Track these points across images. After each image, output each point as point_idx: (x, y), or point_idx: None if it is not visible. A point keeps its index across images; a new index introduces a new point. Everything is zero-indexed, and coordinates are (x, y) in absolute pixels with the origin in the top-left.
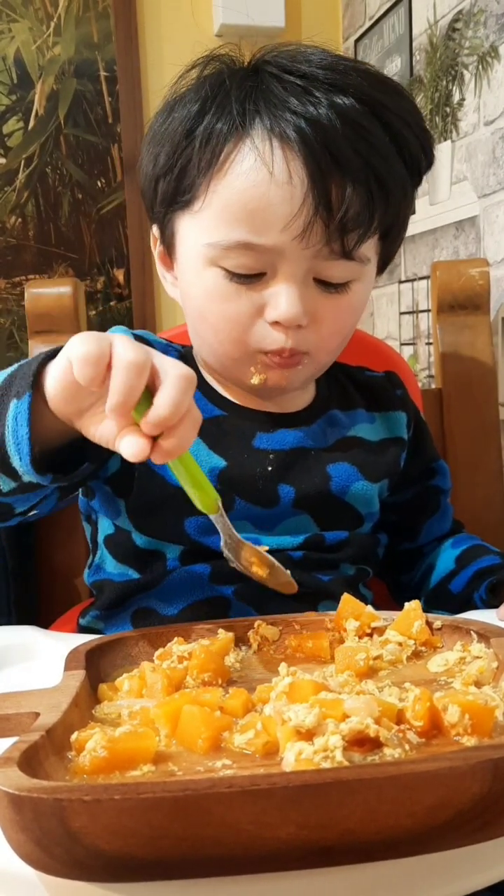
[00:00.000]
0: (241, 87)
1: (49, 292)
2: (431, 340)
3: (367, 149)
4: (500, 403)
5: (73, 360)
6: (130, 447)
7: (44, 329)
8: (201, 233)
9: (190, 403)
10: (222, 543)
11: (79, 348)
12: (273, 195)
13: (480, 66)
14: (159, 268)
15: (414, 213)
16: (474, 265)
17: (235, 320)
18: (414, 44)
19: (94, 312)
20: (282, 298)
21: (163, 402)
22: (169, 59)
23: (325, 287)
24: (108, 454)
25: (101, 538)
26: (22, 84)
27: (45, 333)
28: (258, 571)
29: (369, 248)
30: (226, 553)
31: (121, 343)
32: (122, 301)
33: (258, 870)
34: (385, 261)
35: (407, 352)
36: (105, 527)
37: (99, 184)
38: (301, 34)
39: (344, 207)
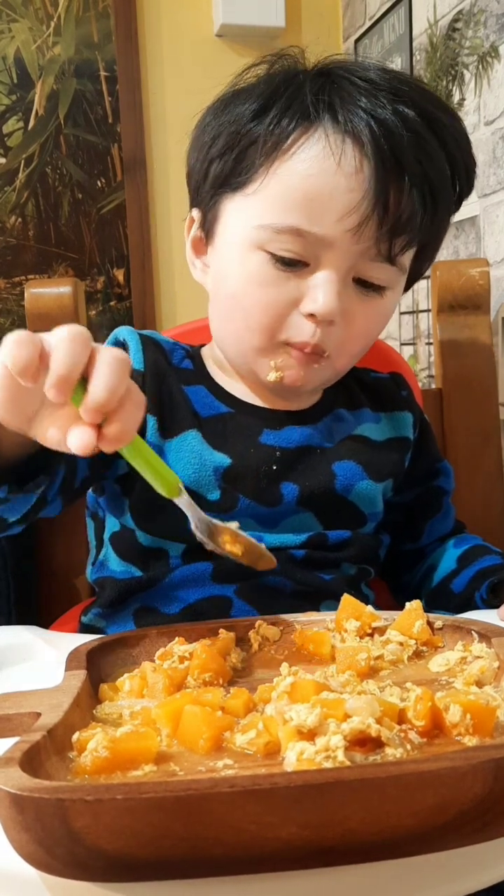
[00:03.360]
0: (314, 81)
1: (49, 292)
2: (431, 340)
3: (426, 158)
4: (500, 403)
5: (5, 352)
6: (76, 440)
7: (44, 329)
8: (253, 215)
9: (128, 386)
10: (192, 526)
11: (8, 339)
12: (336, 185)
13: (480, 66)
14: (189, 254)
15: None
16: (474, 265)
17: (271, 306)
18: (414, 44)
19: (94, 312)
20: (321, 291)
21: (97, 385)
22: (169, 59)
23: (363, 287)
24: (111, 456)
25: (106, 535)
26: (22, 84)
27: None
28: (233, 549)
29: (408, 258)
30: (198, 536)
31: (56, 329)
32: (122, 301)
33: (260, 870)
34: (413, 278)
35: (407, 352)
36: (110, 525)
37: (99, 184)
38: (301, 34)
39: (399, 211)
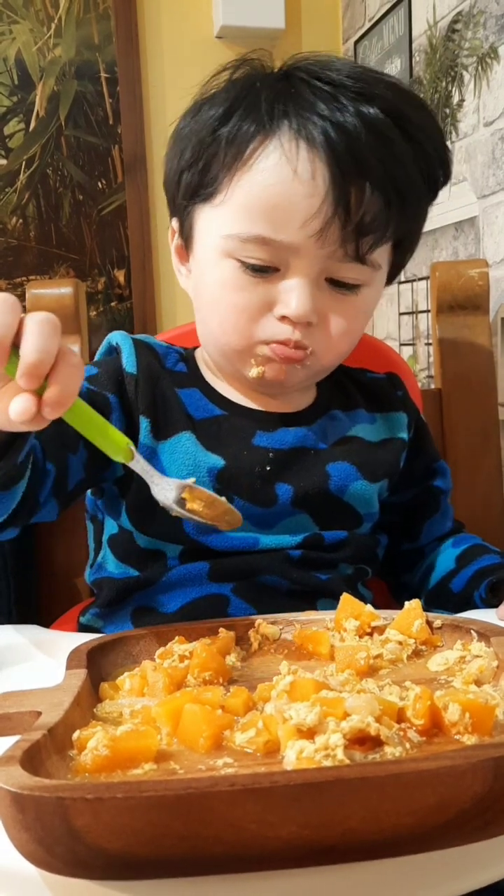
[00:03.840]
0: (271, 89)
1: (50, 293)
2: (431, 341)
3: (388, 157)
4: (500, 403)
5: None
6: (16, 407)
7: None
8: (221, 225)
9: (62, 348)
10: (153, 492)
11: None
12: (294, 193)
13: (480, 67)
14: (175, 261)
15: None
16: (474, 266)
17: (245, 311)
18: (413, 45)
19: (94, 313)
20: (293, 295)
21: (28, 348)
22: (169, 60)
23: (336, 287)
24: (107, 459)
25: (105, 537)
26: (23, 85)
27: None
28: (195, 507)
29: (382, 255)
30: (161, 501)
31: None
32: (123, 302)
33: (259, 868)
34: (396, 270)
35: (407, 352)
36: (109, 527)
37: (100, 185)
38: (301, 35)
39: (361, 211)
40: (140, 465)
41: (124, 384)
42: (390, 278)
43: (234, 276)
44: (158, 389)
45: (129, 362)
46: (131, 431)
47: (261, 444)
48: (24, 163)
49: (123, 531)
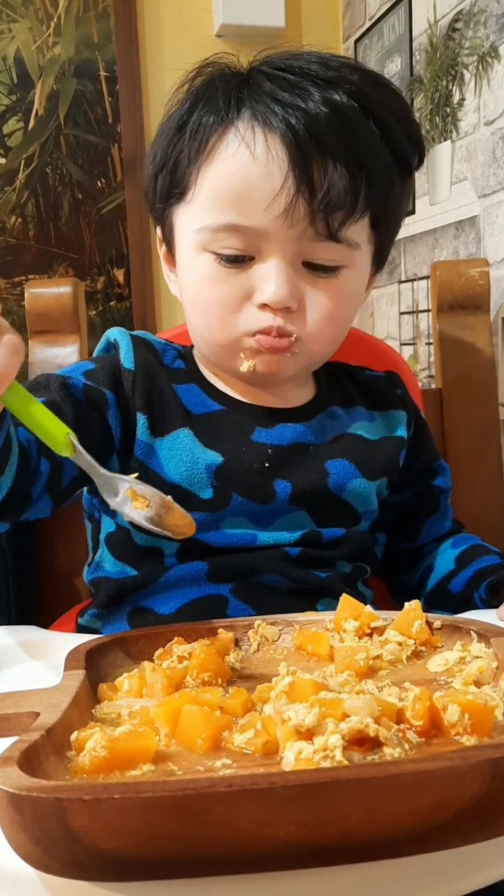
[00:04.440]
0: (228, 84)
1: (49, 292)
2: (431, 340)
3: (348, 133)
4: (500, 403)
5: None
6: None
7: (44, 329)
8: (193, 219)
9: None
10: (99, 490)
11: None
12: (255, 176)
13: (480, 66)
14: (164, 269)
15: (413, 212)
16: (474, 265)
17: (224, 303)
18: (414, 44)
19: (94, 312)
20: (269, 281)
21: None
22: (169, 59)
23: (314, 270)
24: (101, 455)
25: (102, 535)
26: (22, 84)
27: (45, 333)
28: (139, 507)
29: (358, 234)
30: (110, 501)
31: None
32: (123, 301)
33: (258, 869)
34: (379, 253)
35: (407, 352)
36: (106, 525)
37: (99, 184)
38: (301, 34)
39: (325, 186)
40: (83, 459)
41: (121, 380)
42: (378, 263)
43: (210, 269)
44: (156, 385)
45: (126, 358)
46: (129, 428)
47: (260, 441)
48: (23, 162)
49: (120, 529)
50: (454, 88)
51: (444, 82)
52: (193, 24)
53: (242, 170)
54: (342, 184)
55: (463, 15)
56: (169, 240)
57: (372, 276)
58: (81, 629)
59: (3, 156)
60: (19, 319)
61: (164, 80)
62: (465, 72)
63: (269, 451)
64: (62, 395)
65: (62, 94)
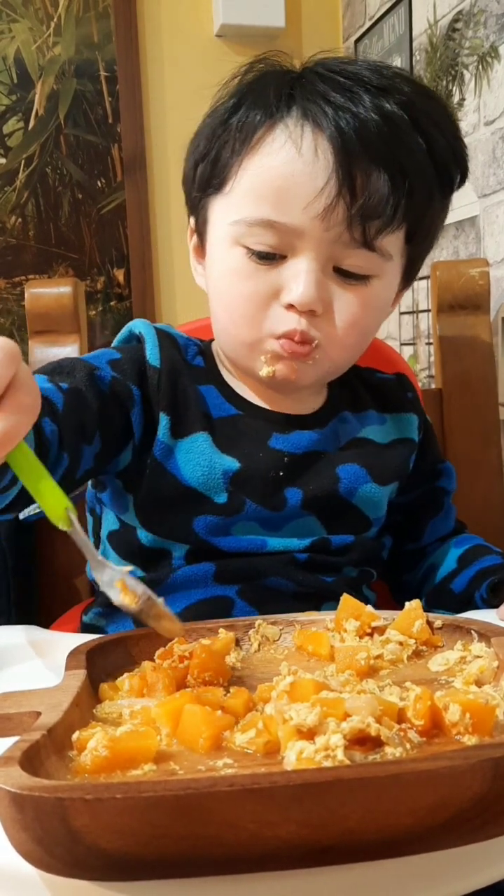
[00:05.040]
0: (280, 80)
1: (49, 292)
2: (431, 340)
3: (395, 142)
4: (500, 403)
5: None
6: None
7: (44, 329)
8: (230, 211)
9: (19, 378)
10: (91, 566)
11: None
12: (298, 173)
13: (480, 66)
14: (192, 260)
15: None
16: (474, 265)
17: (251, 300)
18: (414, 44)
19: (94, 312)
20: (298, 281)
21: None
22: (169, 59)
23: (344, 277)
24: (117, 450)
25: (104, 533)
26: (22, 84)
27: (45, 333)
28: (125, 600)
29: (392, 245)
30: (98, 579)
31: None
32: (123, 301)
33: (259, 869)
34: (410, 267)
35: (407, 352)
36: (109, 522)
37: (99, 184)
38: (301, 34)
39: (367, 193)
40: (79, 537)
41: (147, 376)
42: (407, 278)
43: (241, 264)
44: (180, 385)
45: (152, 355)
46: (150, 426)
47: (276, 447)
48: (23, 162)
49: (126, 527)
50: (454, 88)
51: (444, 82)
52: (193, 24)
53: (286, 166)
54: (383, 192)
55: (463, 15)
56: (201, 231)
57: (399, 292)
58: (86, 627)
59: (3, 156)
60: (19, 319)
61: (164, 80)
62: (465, 72)
63: (286, 458)
64: (88, 384)
65: (62, 94)
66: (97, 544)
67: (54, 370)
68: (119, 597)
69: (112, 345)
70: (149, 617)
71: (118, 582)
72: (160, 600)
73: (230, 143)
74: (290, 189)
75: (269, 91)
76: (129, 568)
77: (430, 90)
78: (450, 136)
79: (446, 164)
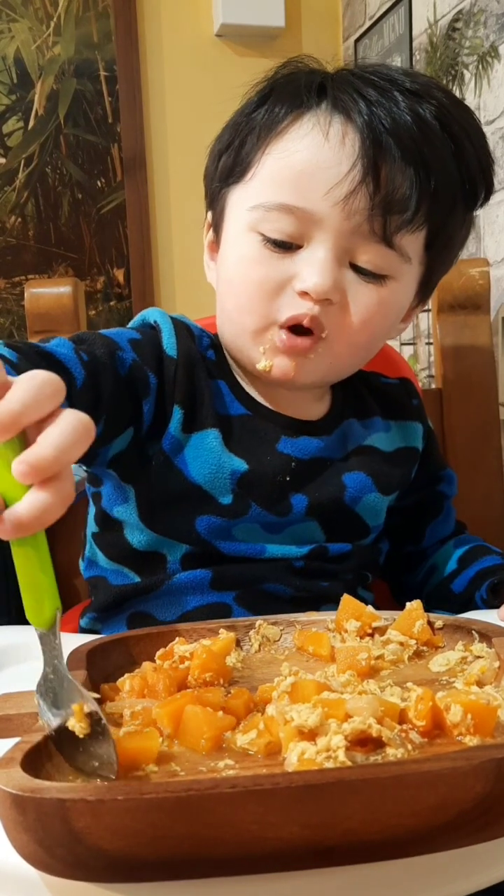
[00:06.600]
0: (312, 76)
1: (49, 292)
2: (431, 340)
3: (424, 142)
4: (500, 403)
5: None
6: None
7: (43, 329)
8: (249, 198)
9: (70, 459)
10: (41, 676)
11: None
12: (322, 159)
13: (480, 66)
14: (205, 257)
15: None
16: (474, 265)
17: (261, 286)
18: (414, 43)
19: (93, 312)
20: (313, 268)
21: (49, 439)
22: (169, 59)
23: (360, 274)
24: (113, 436)
25: (88, 532)
26: (22, 84)
27: (44, 333)
28: (77, 724)
29: (411, 246)
30: (43, 701)
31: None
32: (122, 301)
33: (261, 870)
34: (427, 278)
35: (407, 352)
36: (90, 524)
37: (99, 183)
38: (301, 34)
39: (391, 185)
40: (56, 642)
41: (164, 366)
42: (423, 292)
43: (254, 250)
44: (196, 378)
45: (169, 344)
46: (162, 417)
47: (285, 451)
48: (22, 161)
49: (110, 532)
50: (454, 88)
51: (444, 82)
52: (193, 24)
53: (310, 150)
54: (407, 187)
55: (463, 15)
56: (217, 223)
57: (414, 307)
58: (84, 632)
59: (3, 156)
60: (19, 319)
61: (164, 80)
62: (465, 72)
63: (293, 463)
64: (108, 364)
65: (62, 93)
66: (84, 542)
67: (74, 340)
68: (71, 721)
69: (128, 327)
70: (94, 749)
71: (77, 705)
72: (112, 746)
73: (255, 132)
74: (313, 174)
75: (299, 84)
76: (93, 696)
77: (461, 101)
78: (479, 147)
79: (472, 174)
